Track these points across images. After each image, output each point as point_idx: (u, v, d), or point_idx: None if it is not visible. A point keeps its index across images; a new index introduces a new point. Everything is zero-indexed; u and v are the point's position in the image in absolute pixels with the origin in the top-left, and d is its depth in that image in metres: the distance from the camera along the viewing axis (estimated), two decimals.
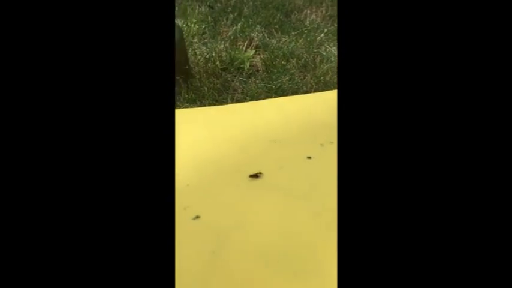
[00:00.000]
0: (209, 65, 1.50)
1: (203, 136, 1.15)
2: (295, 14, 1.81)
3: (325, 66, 1.49)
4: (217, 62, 1.51)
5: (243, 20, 1.73)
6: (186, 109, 1.30)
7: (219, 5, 1.84)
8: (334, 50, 1.58)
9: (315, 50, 1.59)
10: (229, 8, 1.81)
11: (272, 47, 1.59)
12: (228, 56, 1.53)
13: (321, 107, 1.24)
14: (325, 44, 1.61)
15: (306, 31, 1.68)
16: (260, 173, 1.04)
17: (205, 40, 1.64)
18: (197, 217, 0.94)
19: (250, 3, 1.85)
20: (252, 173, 1.03)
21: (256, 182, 1.02)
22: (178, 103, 1.34)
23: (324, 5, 1.86)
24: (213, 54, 1.54)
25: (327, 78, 1.45)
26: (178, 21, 1.68)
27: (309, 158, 1.07)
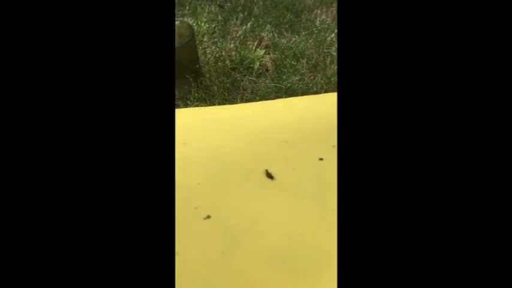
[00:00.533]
0: (219, 64, 1.50)
1: (213, 135, 1.15)
2: (305, 13, 1.80)
3: (336, 67, 1.48)
4: (227, 61, 1.50)
5: (253, 19, 1.72)
6: (196, 108, 1.30)
7: (229, 4, 1.84)
8: None
9: (325, 50, 1.58)
10: (239, 8, 1.81)
11: (282, 47, 1.58)
12: (237, 56, 1.53)
13: (332, 107, 1.23)
14: (336, 45, 1.60)
15: (316, 31, 1.67)
16: (271, 174, 1.03)
17: (215, 39, 1.64)
18: (208, 217, 0.93)
19: (260, 2, 1.85)
20: (267, 173, 1.03)
21: (267, 183, 1.02)
22: (188, 102, 1.34)
23: (334, 5, 1.85)
24: (223, 53, 1.54)
25: None
26: (189, 20, 1.68)
27: (321, 159, 1.07)
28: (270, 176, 1.02)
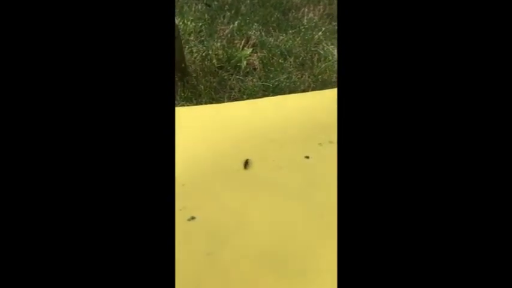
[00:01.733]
0: (206, 63, 1.49)
1: (199, 135, 1.14)
2: (292, 12, 1.79)
3: (323, 65, 1.48)
4: (214, 60, 1.49)
5: (240, 18, 1.71)
6: (182, 107, 1.29)
7: (216, 2, 1.83)
8: (331, 49, 1.57)
9: (313, 49, 1.57)
10: (227, 6, 1.79)
11: (269, 45, 1.57)
12: (224, 54, 1.51)
13: (319, 105, 1.23)
14: (323, 43, 1.60)
15: (303, 29, 1.66)
16: (248, 160, 1.03)
17: (202, 38, 1.62)
18: (192, 218, 0.92)
19: (248, 1, 1.84)
20: (245, 163, 1.03)
21: (253, 182, 1.01)
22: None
23: (321, 3, 1.85)
24: (210, 52, 1.53)
25: (325, 76, 1.44)
26: (175, 19, 1.66)
27: (307, 157, 1.06)
28: (246, 164, 1.03)
